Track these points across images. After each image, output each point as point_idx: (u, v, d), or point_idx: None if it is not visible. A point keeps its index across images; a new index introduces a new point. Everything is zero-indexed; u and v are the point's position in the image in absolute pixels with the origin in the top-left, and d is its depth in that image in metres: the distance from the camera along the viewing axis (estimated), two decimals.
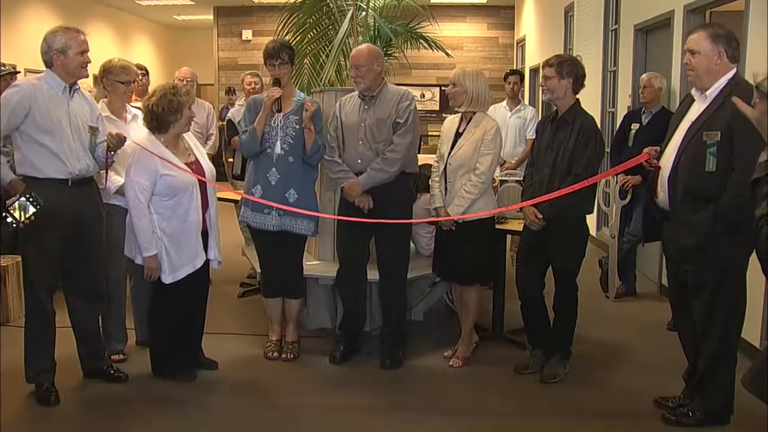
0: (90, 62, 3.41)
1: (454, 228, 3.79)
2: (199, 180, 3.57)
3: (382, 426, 3.33)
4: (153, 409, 3.44)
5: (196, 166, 3.62)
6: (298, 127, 3.86)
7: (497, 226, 4.21)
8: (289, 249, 4.01)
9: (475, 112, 3.84)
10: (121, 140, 3.42)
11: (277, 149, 3.86)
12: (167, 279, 3.53)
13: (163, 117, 3.50)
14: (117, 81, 3.82)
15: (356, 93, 3.93)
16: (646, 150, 3.27)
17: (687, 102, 3.21)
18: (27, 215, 2.94)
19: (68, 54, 3.30)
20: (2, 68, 4.58)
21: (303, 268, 4.14)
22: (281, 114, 3.89)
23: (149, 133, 3.56)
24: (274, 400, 3.58)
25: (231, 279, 5.63)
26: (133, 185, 3.45)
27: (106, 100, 3.92)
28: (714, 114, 2.97)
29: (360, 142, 3.83)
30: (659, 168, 3.18)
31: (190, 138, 3.76)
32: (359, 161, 3.85)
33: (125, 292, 4.07)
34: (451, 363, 4.01)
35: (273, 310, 4.15)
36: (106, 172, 3.61)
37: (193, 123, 4.62)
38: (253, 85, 5.67)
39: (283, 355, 4.08)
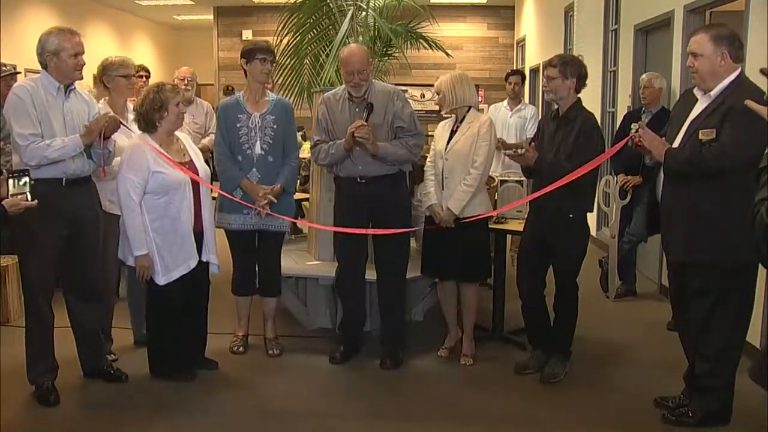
0: (84, 64, 3.40)
1: (453, 225, 3.79)
2: (192, 180, 3.55)
3: (382, 426, 3.33)
4: (152, 410, 3.43)
5: (189, 166, 3.60)
6: (276, 126, 3.90)
7: (498, 226, 4.23)
8: (268, 247, 4.03)
9: (468, 110, 3.91)
10: (116, 125, 3.42)
11: (257, 149, 3.89)
12: (160, 280, 3.52)
13: (149, 115, 3.49)
14: (117, 76, 3.83)
15: (342, 93, 3.90)
16: (632, 134, 3.25)
17: (688, 100, 3.19)
18: (22, 184, 2.96)
19: (61, 56, 3.30)
20: (3, 69, 4.57)
21: (281, 266, 4.16)
22: (258, 114, 3.90)
23: (142, 134, 3.55)
24: (274, 400, 3.58)
25: (230, 279, 5.61)
26: (125, 182, 3.43)
27: (107, 98, 3.92)
28: (712, 113, 2.97)
29: (358, 148, 3.79)
30: (642, 146, 3.17)
31: (185, 139, 3.75)
32: (359, 167, 3.84)
33: (117, 292, 4.07)
34: (463, 362, 4.01)
35: (243, 308, 4.20)
36: (103, 170, 3.59)
37: (191, 122, 4.60)
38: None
39: (269, 351, 4.13)
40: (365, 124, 3.70)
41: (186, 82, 5.38)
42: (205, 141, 5.21)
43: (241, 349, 4.15)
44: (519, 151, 3.67)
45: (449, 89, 3.90)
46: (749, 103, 2.37)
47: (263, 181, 3.91)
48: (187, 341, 3.77)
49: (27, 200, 2.96)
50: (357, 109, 3.84)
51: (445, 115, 4.06)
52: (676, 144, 3.11)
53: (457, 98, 3.89)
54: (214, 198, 4.16)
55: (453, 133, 3.92)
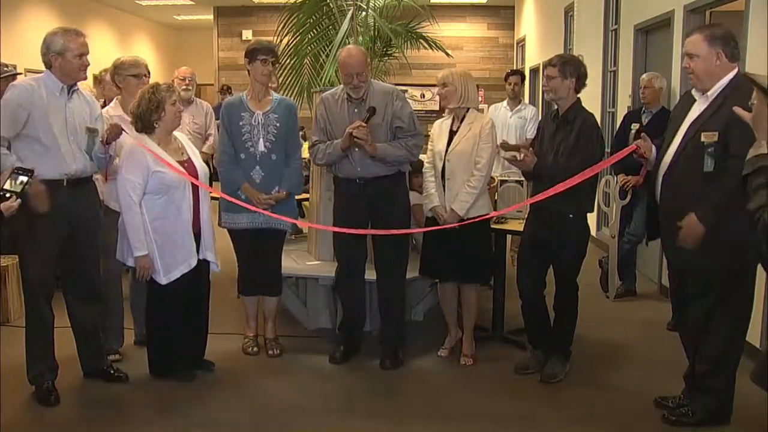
0: (89, 65, 3.40)
1: (457, 226, 3.79)
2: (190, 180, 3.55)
3: (382, 426, 3.33)
4: (153, 409, 3.44)
5: (188, 165, 3.60)
6: (279, 124, 3.90)
7: (498, 226, 4.23)
8: (270, 246, 4.04)
9: (467, 110, 3.90)
10: (117, 131, 3.42)
11: (261, 147, 3.88)
12: (162, 280, 3.51)
13: (146, 116, 3.48)
14: (129, 75, 3.87)
15: (341, 94, 3.89)
16: (635, 142, 3.28)
17: (687, 102, 3.20)
18: (18, 183, 2.90)
19: (66, 56, 3.30)
20: (3, 70, 4.58)
21: (282, 265, 4.17)
22: (261, 112, 3.90)
23: (139, 135, 3.53)
24: (274, 400, 3.58)
25: (231, 279, 5.61)
26: (124, 183, 3.43)
27: (119, 98, 3.92)
28: (713, 115, 2.97)
29: (356, 149, 3.79)
30: (646, 159, 3.18)
31: (183, 138, 3.75)
32: (358, 169, 3.84)
33: (120, 292, 4.07)
34: (463, 362, 4.01)
35: (250, 307, 4.22)
36: (106, 173, 3.59)
37: (191, 123, 4.60)
38: (274, 84, 5.63)
39: (269, 352, 4.13)
40: (364, 125, 3.70)
41: (187, 82, 5.38)
42: (205, 149, 5.21)
43: (255, 349, 4.15)
44: (518, 156, 3.66)
45: (461, 84, 3.85)
46: (736, 109, 2.36)
47: (266, 180, 3.90)
48: (187, 341, 3.77)
49: (15, 199, 2.88)
50: (356, 110, 3.83)
51: (450, 111, 3.95)
52: (674, 144, 3.10)
53: (469, 96, 3.87)
54: (215, 198, 4.17)
55: (452, 133, 3.91)
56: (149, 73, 5.28)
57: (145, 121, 3.50)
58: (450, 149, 3.87)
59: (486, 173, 3.86)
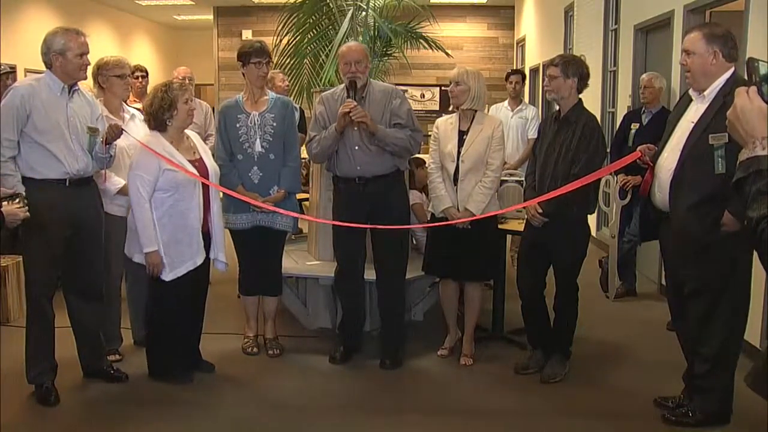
0: (89, 64, 3.41)
1: (470, 227, 3.79)
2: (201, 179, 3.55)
3: (382, 426, 3.33)
4: (153, 409, 3.44)
5: (199, 164, 3.61)
6: (275, 124, 3.89)
7: (498, 226, 4.23)
8: (270, 246, 4.04)
9: (475, 111, 3.89)
10: (118, 132, 3.43)
11: (258, 147, 3.88)
12: (167, 276, 3.51)
13: (159, 115, 3.49)
14: (112, 75, 3.83)
15: (340, 93, 3.88)
16: (639, 148, 3.28)
17: (685, 101, 3.20)
18: (19, 201, 2.98)
19: (67, 56, 3.30)
20: (0, 68, 4.58)
21: (282, 265, 4.17)
22: (257, 113, 3.89)
23: (153, 132, 3.55)
24: (274, 401, 3.58)
25: (230, 279, 5.61)
26: (135, 179, 3.44)
27: (102, 99, 3.91)
28: (717, 115, 2.94)
29: (356, 147, 3.80)
30: (651, 166, 3.18)
31: (195, 137, 3.76)
32: (358, 167, 3.83)
33: (120, 293, 4.07)
34: (463, 362, 4.01)
35: (250, 307, 4.22)
36: (105, 171, 3.60)
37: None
38: (286, 83, 5.64)
39: (269, 352, 4.13)
40: (354, 102, 3.68)
41: (188, 82, 5.38)
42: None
43: (255, 349, 4.15)
44: (526, 216, 3.67)
45: (474, 84, 3.85)
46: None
47: (265, 180, 3.90)
48: (187, 341, 3.76)
49: (26, 210, 3.00)
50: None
51: (461, 111, 3.92)
52: (673, 146, 3.09)
53: (480, 97, 3.87)
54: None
55: (462, 134, 3.89)
56: (147, 73, 5.28)
57: (158, 120, 3.51)
58: (463, 151, 3.85)
59: (499, 174, 3.92)
